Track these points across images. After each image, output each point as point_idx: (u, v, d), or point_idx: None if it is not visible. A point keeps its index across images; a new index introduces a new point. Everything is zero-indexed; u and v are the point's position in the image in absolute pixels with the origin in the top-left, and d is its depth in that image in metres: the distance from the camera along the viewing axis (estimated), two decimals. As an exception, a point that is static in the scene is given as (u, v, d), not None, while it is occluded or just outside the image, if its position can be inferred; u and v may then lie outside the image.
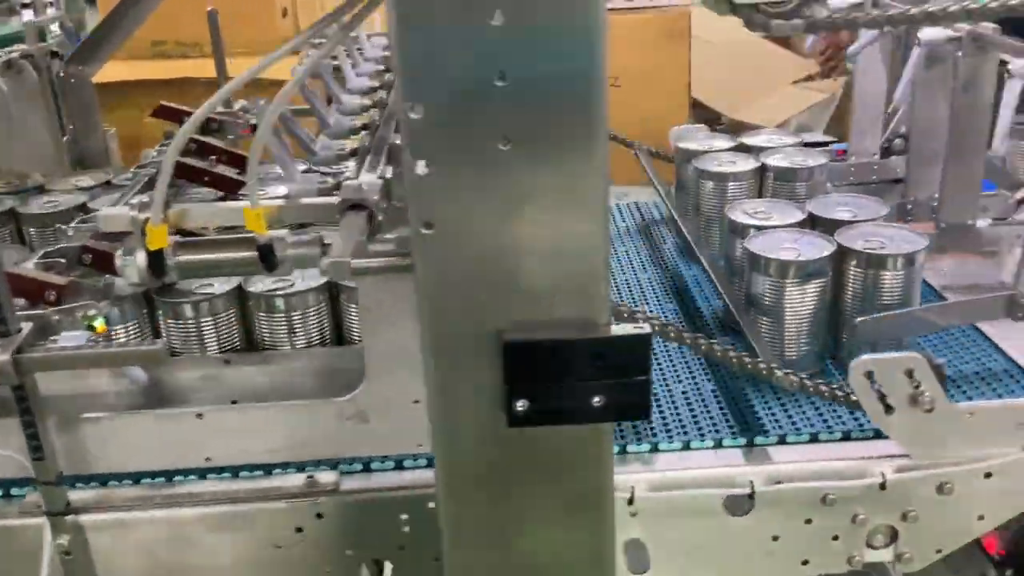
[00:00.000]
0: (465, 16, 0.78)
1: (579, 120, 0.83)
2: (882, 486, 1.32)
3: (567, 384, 0.89)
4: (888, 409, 1.27)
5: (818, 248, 1.48)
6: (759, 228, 1.58)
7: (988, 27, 1.60)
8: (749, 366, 1.30)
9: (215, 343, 1.46)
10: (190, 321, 1.45)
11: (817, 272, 1.45)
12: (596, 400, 0.90)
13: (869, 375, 1.26)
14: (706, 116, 5.82)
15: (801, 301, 1.46)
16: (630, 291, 1.87)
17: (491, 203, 0.84)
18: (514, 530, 0.98)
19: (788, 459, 1.36)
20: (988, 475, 1.34)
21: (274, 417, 1.31)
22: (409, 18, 0.78)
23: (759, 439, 1.37)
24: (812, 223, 1.61)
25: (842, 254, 1.49)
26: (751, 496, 1.32)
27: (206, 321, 1.46)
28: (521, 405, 0.90)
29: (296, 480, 1.32)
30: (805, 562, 1.39)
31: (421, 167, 0.82)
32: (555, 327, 0.88)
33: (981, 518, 1.37)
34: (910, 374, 1.26)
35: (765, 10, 1.07)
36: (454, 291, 0.88)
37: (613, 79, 5.03)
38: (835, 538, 1.37)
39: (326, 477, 1.32)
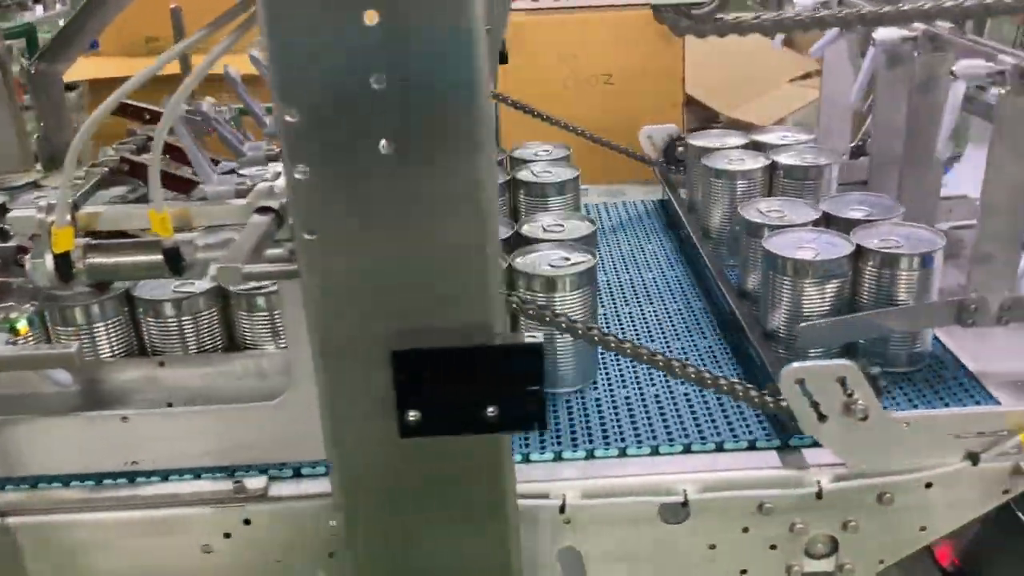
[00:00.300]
0: (337, 17, 0.76)
1: (461, 124, 0.80)
2: (818, 495, 1.29)
3: (458, 394, 0.87)
4: (821, 417, 1.24)
5: (837, 248, 1.46)
6: (775, 227, 1.56)
7: (944, 26, 1.57)
8: (678, 371, 1.27)
9: (194, 342, 1.45)
10: (170, 320, 1.43)
11: (836, 272, 1.43)
12: (490, 411, 0.88)
13: (801, 383, 1.23)
14: (703, 115, 5.79)
15: (820, 301, 1.44)
16: (659, 288, 1.85)
17: (374, 209, 0.82)
18: (415, 539, 0.96)
19: (724, 466, 1.34)
20: (929, 485, 1.31)
21: (201, 421, 1.30)
22: (279, 18, 0.76)
23: (695, 446, 1.35)
24: (827, 222, 1.59)
25: (858, 254, 1.47)
26: (685, 504, 1.29)
27: (187, 320, 1.44)
28: (412, 415, 0.88)
29: (224, 485, 1.31)
30: (743, 571, 1.37)
31: (299, 172, 0.80)
32: (445, 336, 0.86)
33: (923, 529, 1.35)
34: (843, 382, 1.23)
35: (685, 12, 1.05)
36: (340, 298, 0.86)
37: (607, 76, 5.01)
38: (773, 547, 1.34)
39: (254, 483, 1.31)
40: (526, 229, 1.62)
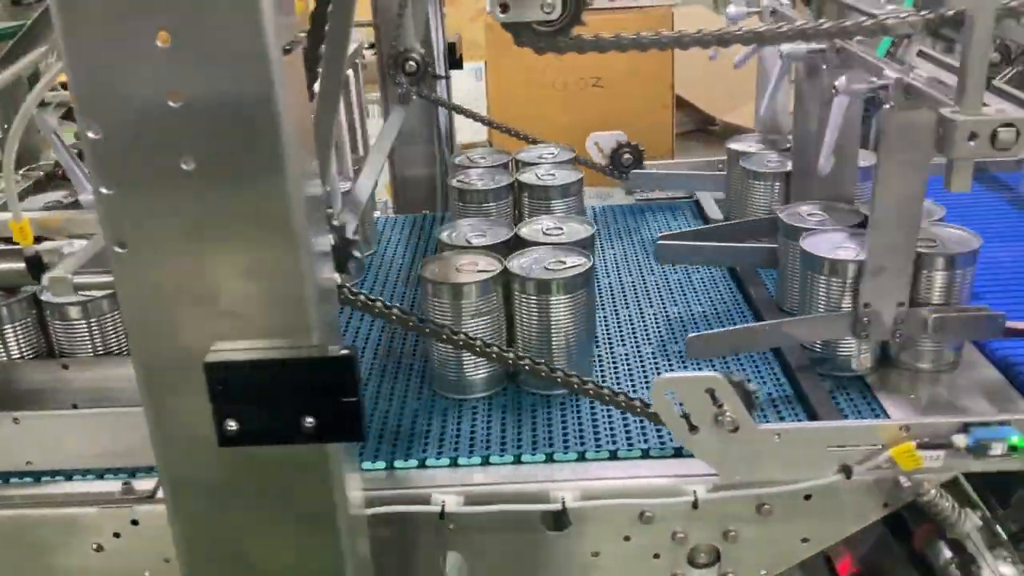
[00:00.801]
0: (130, 38, 0.79)
1: (259, 142, 0.83)
2: (694, 505, 1.30)
3: (272, 405, 0.89)
4: (692, 428, 1.26)
5: None
6: (814, 230, 1.56)
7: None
8: (559, 380, 1.29)
9: (100, 344, 1.47)
10: (76, 322, 1.46)
11: None
12: (307, 421, 0.90)
13: (671, 394, 1.24)
14: (697, 117, 5.78)
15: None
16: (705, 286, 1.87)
17: (180, 224, 0.85)
18: (246, 546, 0.98)
19: (605, 475, 1.35)
20: (808, 497, 1.32)
21: (93, 423, 1.32)
22: (76, 37, 0.79)
23: (574, 454, 1.36)
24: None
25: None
26: (563, 512, 1.31)
27: (93, 323, 1.47)
28: (230, 425, 0.90)
29: (113, 486, 1.34)
30: (628, 579, 1.38)
31: (104, 187, 0.83)
32: (258, 348, 0.88)
33: (805, 541, 1.36)
34: (712, 394, 1.24)
35: (537, 29, 1.06)
36: (156, 310, 0.88)
37: (595, 79, 5.03)
38: (656, 556, 1.36)
39: (143, 484, 1.33)
40: (525, 231, 1.63)
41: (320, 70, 1.02)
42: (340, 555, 0.98)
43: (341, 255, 1.14)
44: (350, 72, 2.05)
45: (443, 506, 1.31)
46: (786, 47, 1.58)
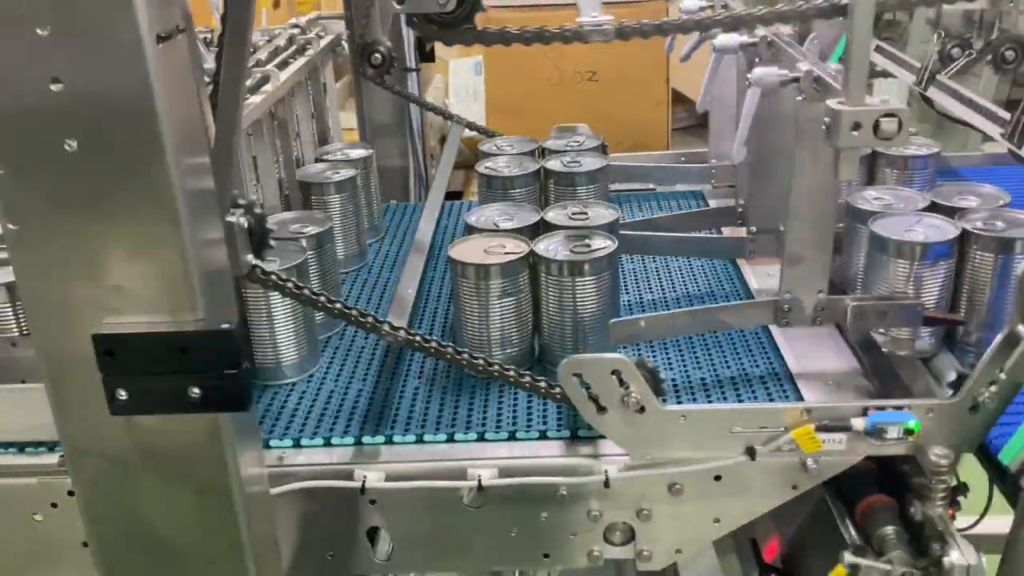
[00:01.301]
0: (10, 26, 0.84)
1: (137, 129, 0.88)
2: (606, 484, 1.35)
3: (160, 376, 0.94)
4: (601, 409, 1.30)
5: (943, 231, 1.49)
6: (882, 213, 1.58)
7: (784, 32, 1.61)
8: (464, 363, 1.34)
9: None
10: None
11: (944, 254, 1.46)
12: (194, 392, 0.96)
13: (579, 375, 1.29)
14: (695, 111, 5.79)
15: (931, 283, 1.47)
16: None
17: (68, 204, 0.90)
18: (146, 516, 1.04)
19: (521, 454, 1.39)
20: (718, 478, 1.36)
21: (29, 398, 1.38)
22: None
23: (491, 434, 1.41)
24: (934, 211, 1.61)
25: (964, 238, 1.49)
26: (480, 489, 1.35)
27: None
28: (120, 394, 0.95)
29: (50, 459, 1.39)
30: (546, 555, 1.42)
31: (-5, 168, 0.88)
32: (145, 323, 0.93)
33: (717, 520, 1.39)
34: (618, 376, 1.28)
35: (434, 19, 1.11)
36: (49, 286, 0.93)
37: (591, 73, 5.06)
38: (573, 534, 1.40)
39: (78, 456, 1.39)
40: (551, 216, 1.68)
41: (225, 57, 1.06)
42: (237, 528, 1.03)
43: (258, 239, 1.19)
44: (325, 64, 2.10)
45: (364, 481, 1.35)
46: (718, 40, 1.62)
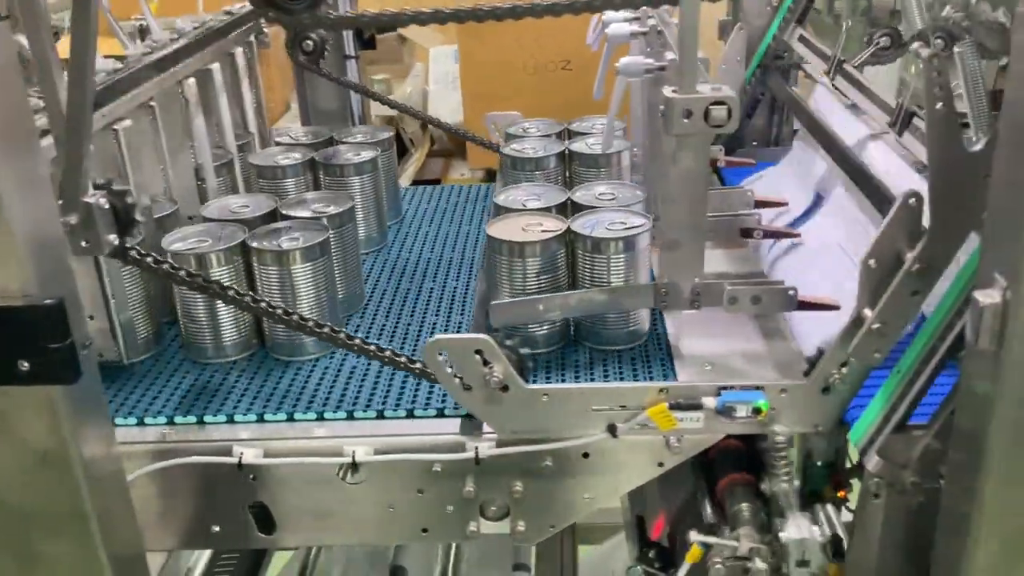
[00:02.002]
0: None
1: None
2: (477, 461, 1.39)
3: (-11, 348, 0.99)
4: (466, 387, 1.34)
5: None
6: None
7: (672, 20, 1.65)
8: (339, 341, 1.38)
9: None
10: None
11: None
12: (22, 365, 1.00)
13: (443, 353, 1.33)
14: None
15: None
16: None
17: None
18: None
19: (397, 431, 1.44)
20: (586, 455, 1.40)
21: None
22: None
23: (362, 412, 1.45)
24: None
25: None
26: (355, 465, 1.40)
27: None
28: (-49, 365, 1.00)
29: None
30: (424, 530, 1.46)
31: None
32: (-24, 297, 0.98)
33: (588, 497, 1.43)
34: (480, 354, 1.32)
35: (282, 6, 1.14)
36: None
37: (565, 62, 5.07)
38: (450, 509, 1.44)
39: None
40: (579, 196, 1.72)
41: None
42: (81, 500, 1.08)
43: (123, 219, 1.24)
44: (240, 49, 2.13)
45: (241, 457, 1.40)
46: (610, 29, 1.65)
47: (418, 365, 1.40)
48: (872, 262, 1.24)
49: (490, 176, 4.68)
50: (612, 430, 1.36)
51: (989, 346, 0.99)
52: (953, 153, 1.12)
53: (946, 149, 1.12)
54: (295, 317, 1.36)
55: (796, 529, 1.28)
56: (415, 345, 1.65)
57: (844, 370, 1.31)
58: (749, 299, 1.51)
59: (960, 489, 1.10)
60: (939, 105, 1.11)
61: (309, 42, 2.32)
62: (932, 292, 1.20)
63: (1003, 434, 1.01)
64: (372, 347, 1.39)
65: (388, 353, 1.39)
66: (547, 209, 1.67)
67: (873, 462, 1.24)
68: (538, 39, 5.00)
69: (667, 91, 1.16)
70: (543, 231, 1.58)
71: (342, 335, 1.38)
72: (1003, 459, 1.03)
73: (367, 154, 1.99)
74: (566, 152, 1.98)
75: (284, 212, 1.75)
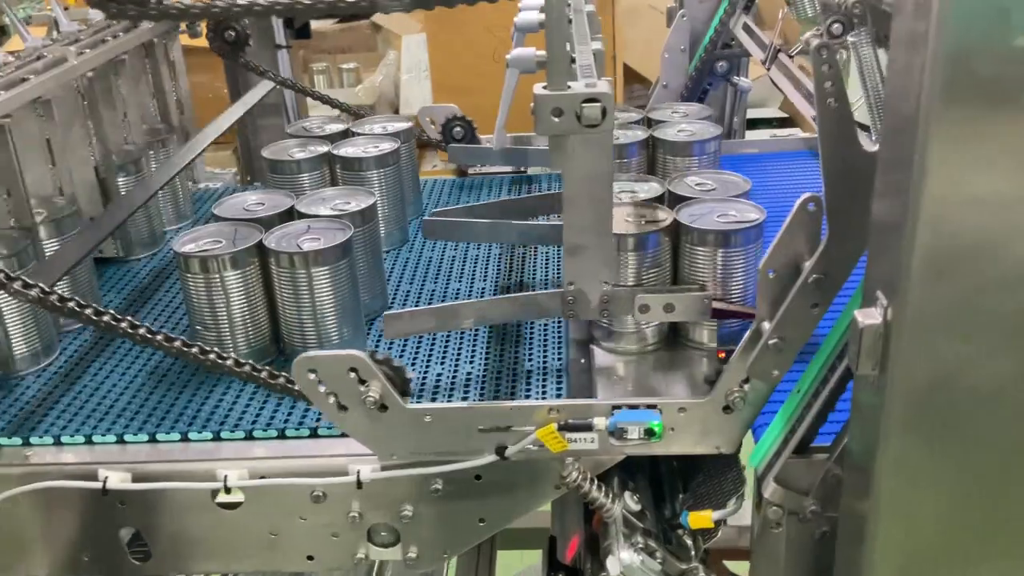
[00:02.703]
0: None
1: None
2: (358, 484, 1.29)
3: None
4: (341, 407, 1.24)
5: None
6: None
7: (587, 7, 1.55)
8: (203, 359, 1.28)
9: None
10: None
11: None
12: None
13: (314, 372, 1.23)
14: (648, 85, 5.70)
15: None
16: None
17: None
18: None
19: (276, 453, 1.34)
20: (478, 477, 1.30)
21: None
22: None
23: (241, 433, 1.36)
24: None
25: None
26: (227, 490, 1.30)
27: None
28: None
29: None
30: (310, 557, 1.37)
31: None
32: None
33: (483, 521, 1.34)
34: (355, 372, 1.22)
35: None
36: None
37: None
38: (335, 535, 1.35)
39: None
40: (677, 186, 1.61)
41: None
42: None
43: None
44: (157, 39, 2.03)
45: (105, 482, 1.30)
46: (519, 18, 1.55)
47: (280, 381, 1.30)
48: (770, 272, 1.13)
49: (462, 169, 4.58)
50: (501, 452, 1.26)
51: (871, 371, 0.88)
52: (848, 154, 1.01)
53: (840, 149, 1.02)
54: (105, 318, 1.25)
55: (613, 565, 1.19)
56: (443, 353, 1.54)
57: (746, 388, 1.20)
58: (661, 307, 1.41)
59: (852, 519, 1.00)
60: (830, 101, 1.00)
61: (231, 32, 2.21)
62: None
63: (890, 462, 0.91)
64: (229, 361, 1.29)
65: (247, 368, 1.28)
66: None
67: (770, 489, 1.14)
68: (507, 25, 4.92)
69: (537, 88, 1.05)
70: (647, 222, 1.45)
71: (194, 349, 1.27)
72: (891, 488, 0.93)
73: (387, 146, 1.86)
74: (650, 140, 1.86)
75: (301, 210, 1.62)
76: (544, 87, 1.05)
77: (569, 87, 1.04)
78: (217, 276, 1.44)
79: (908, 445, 0.90)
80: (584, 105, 1.03)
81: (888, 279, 0.86)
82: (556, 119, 1.03)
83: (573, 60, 1.25)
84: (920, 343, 0.85)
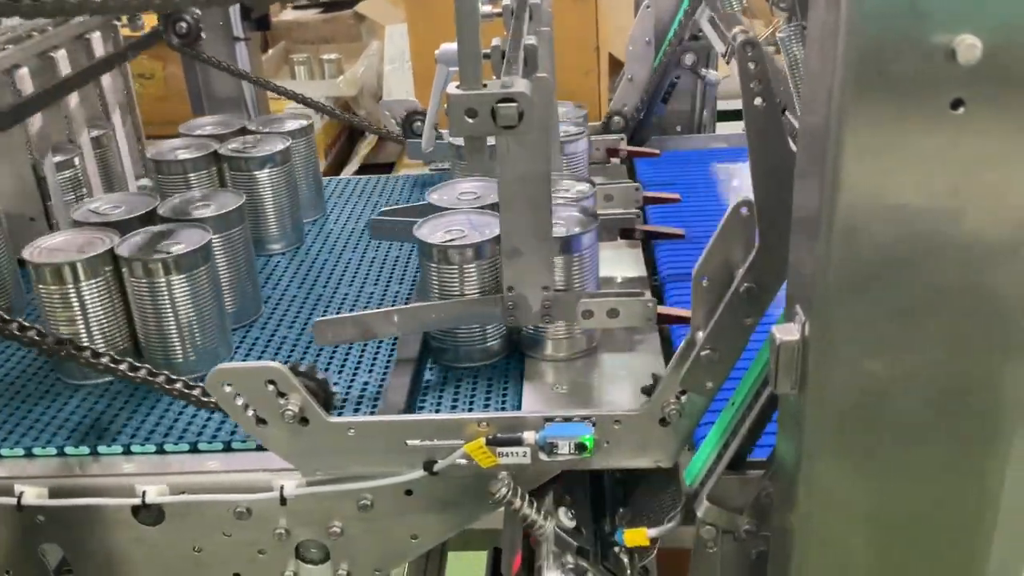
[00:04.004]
0: None
1: None
2: (282, 501, 1.24)
3: None
4: (260, 421, 1.19)
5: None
6: None
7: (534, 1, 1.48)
8: (131, 375, 1.22)
9: None
10: None
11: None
12: None
13: (230, 385, 1.17)
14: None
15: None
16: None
17: None
18: None
19: (198, 468, 1.29)
20: (409, 492, 1.25)
21: None
22: None
23: (169, 446, 1.30)
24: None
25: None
26: (146, 506, 1.25)
27: None
28: None
29: None
30: (237, 575, 1.31)
31: None
32: None
33: (415, 538, 1.28)
34: (274, 385, 1.17)
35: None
36: None
37: (518, 42, 4.83)
38: (262, 552, 1.29)
39: None
40: None
41: None
42: None
43: None
44: (97, 34, 1.97)
45: (20, 496, 1.25)
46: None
47: (195, 393, 1.24)
48: (703, 279, 1.07)
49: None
50: (429, 467, 1.20)
51: (790, 390, 0.82)
52: (777, 156, 0.95)
53: (769, 152, 0.96)
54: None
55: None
56: (316, 358, 1.48)
57: (683, 400, 1.14)
58: (605, 313, 1.36)
59: (779, 538, 0.95)
60: (758, 100, 0.94)
61: (183, 24, 2.15)
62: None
63: (812, 482, 0.86)
64: (141, 372, 1.23)
65: (161, 379, 1.22)
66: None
67: (703, 508, 1.08)
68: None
69: (451, 88, 0.99)
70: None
71: (105, 360, 1.21)
72: (813, 508, 0.87)
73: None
74: None
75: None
76: (458, 86, 0.99)
77: (485, 86, 0.98)
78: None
79: (830, 467, 0.85)
80: (499, 105, 0.97)
81: (805, 293, 0.80)
82: (471, 120, 0.97)
83: (504, 56, 1.19)
84: (839, 361, 0.79)
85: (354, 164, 4.47)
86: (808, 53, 0.78)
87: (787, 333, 0.81)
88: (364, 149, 4.59)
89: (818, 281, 0.78)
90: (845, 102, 0.71)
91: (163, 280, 1.40)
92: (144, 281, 1.40)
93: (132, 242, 1.44)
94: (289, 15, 5.12)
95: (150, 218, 1.56)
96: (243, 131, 1.95)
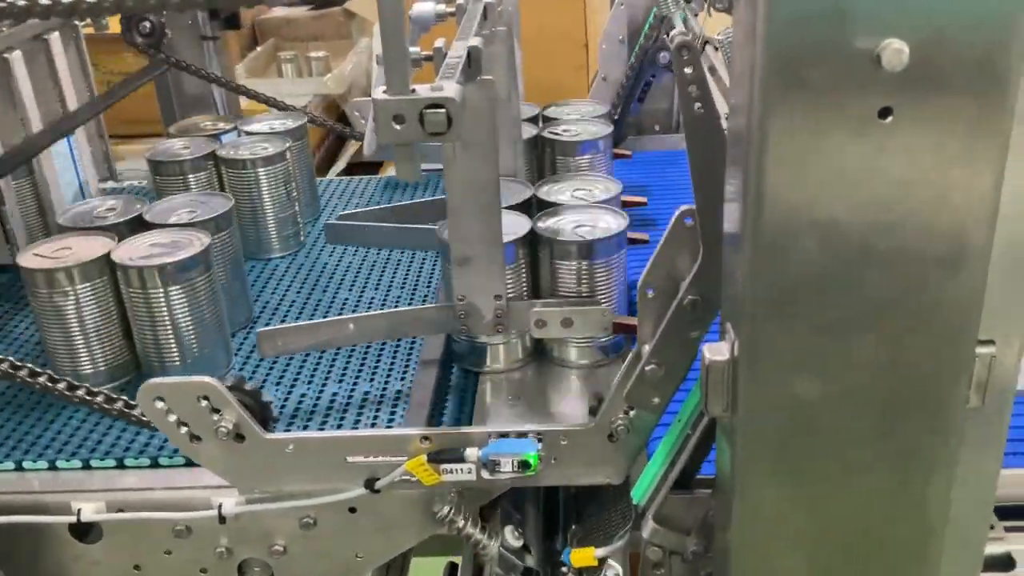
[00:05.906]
0: None
1: None
2: (221, 519, 1.20)
3: None
4: (194, 437, 1.14)
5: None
6: None
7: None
8: (50, 388, 1.18)
9: None
10: None
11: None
12: None
13: (162, 399, 1.13)
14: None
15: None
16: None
17: None
18: None
19: (135, 484, 1.25)
20: (353, 510, 1.21)
21: None
22: None
23: (98, 462, 1.26)
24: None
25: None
26: (80, 524, 1.21)
27: None
28: None
29: None
30: (178, 594, 1.27)
31: None
32: None
33: (360, 556, 1.24)
34: (207, 400, 1.12)
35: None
36: None
37: (508, 37, 4.75)
38: (204, 570, 1.25)
39: None
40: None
41: None
42: None
43: None
44: (56, 34, 1.92)
45: (-51, 515, 1.21)
46: (413, 9, 1.44)
47: (118, 406, 1.20)
48: (649, 291, 1.03)
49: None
50: (370, 485, 1.16)
51: (722, 412, 0.78)
52: (717, 163, 0.91)
53: (707, 158, 0.91)
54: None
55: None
56: (313, 371, 1.42)
57: (631, 415, 1.10)
58: (559, 322, 1.31)
59: (719, 559, 0.90)
60: (696, 106, 0.90)
61: (146, 24, 2.11)
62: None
63: (746, 506, 0.81)
64: (61, 385, 1.19)
65: (81, 392, 1.18)
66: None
67: (649, 529, 1.04)
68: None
69: (376, 92, 0.95)
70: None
71: (23, 371, 1.17)
72: (748, 531, 0.83)
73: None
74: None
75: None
76: (384, 91, 0.95)
77: (414, 91, 0.93)
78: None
79: (764, 487, 0.80)
80: (427, 111, 0.92)
81: (735, 310, 0.75)
82: (398, 126, 0.93)
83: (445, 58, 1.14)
84: (769, 381, 0.75)
85: (340, 164, 4.41)
86: (732, 57, 0.74)
87: (717, 353, 0.77)
88: (352, 148, 4.53)
89: (745, 298, 0.73)
90: (765, 110, 0.67)
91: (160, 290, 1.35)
92: (138, 290, 1.36)
93: (126, 248, 1.40)
94: (278, 12, 5.07)
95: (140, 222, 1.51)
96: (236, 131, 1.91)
